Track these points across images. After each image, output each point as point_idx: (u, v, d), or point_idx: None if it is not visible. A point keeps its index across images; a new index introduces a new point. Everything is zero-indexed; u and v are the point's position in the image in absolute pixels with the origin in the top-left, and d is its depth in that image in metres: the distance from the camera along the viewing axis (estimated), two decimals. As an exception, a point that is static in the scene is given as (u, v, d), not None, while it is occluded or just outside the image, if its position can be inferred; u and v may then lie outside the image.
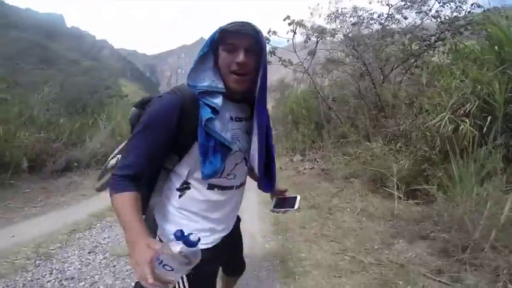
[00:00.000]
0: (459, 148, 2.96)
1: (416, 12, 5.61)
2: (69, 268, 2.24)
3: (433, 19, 5.45)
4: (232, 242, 1.14)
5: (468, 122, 2.88)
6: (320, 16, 6.60)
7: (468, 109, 3.06)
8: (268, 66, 0.93)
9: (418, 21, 5.62)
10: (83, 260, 2.38)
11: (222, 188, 0.94)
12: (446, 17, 5.16)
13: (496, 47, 3.49)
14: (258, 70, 0.87)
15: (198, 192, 0.92)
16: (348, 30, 6.14)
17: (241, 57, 0.82)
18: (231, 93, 0.88)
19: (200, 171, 0.86)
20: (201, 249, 0.73)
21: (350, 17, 6.13)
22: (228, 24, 0.83)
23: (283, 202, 1.15)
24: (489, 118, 2.90)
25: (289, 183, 4.98)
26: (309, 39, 6.60)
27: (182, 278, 0.90)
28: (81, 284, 2.05)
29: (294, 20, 6.59)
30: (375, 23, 5.98)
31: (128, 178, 0.80)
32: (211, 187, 0.92)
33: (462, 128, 2.96)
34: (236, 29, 0.81)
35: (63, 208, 3.69)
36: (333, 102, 7.11)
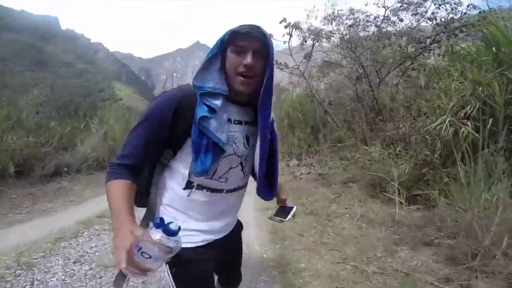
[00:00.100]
0: (460, 151, 2.90)
1: (412, 14, 5.61)
2: (51, 279, 2.10)
3: (428, 21, 5.46)
4: (230, 249, 1.10)
5: (470, 124, 2.80)
6: (316, 18, 6.55)
7: (469, 111, 3.00)
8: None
9: (414, 23, 5.62)
10: (67, 270, 2.23)
11: (211, 190, 0.93)
12: (443, 19, 5.15)
13: (493, 48, 3.47)
14: (264, 74, 0.87)
15: (186, 190, 0.92)
16: (344, 32, 6.10)
17: (249, 59, 0.83)
18: (236, 96, 0.89)
19: (190, 169, 0.87)
20: (188, 248, 0.79)
21: (346, 19, 6.11)
22: (238, 26, 0.84)
23: (281, 211, 1.11)
24: (490, 120, 2.84)
25: (286, 189, 4.86)
26: (305, 41, 6.57)
27: (170, 277, 0.92)
28: (64, 297, 1.90)
29: (290, 23, 6.56)
30: (371, 25, 5.96)
31: (125, 167, 0.83)
32: (199, 187, 0.92)
33: (463, 131, 2.90)
34: (246, 31, 0.82)
35: (50, 215, 3.52)
36: (329, 105, 7.06)
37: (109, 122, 7.08)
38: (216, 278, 1.20)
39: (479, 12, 4.89)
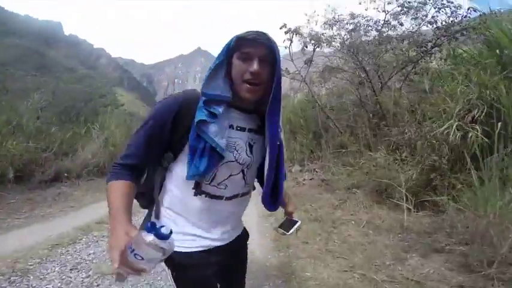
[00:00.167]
0: (469, 156, 2.84)
1: (412, 18, 5.60)
2: (47, 286, 2.04)
3: (429, 25, 5.44)
4: (234, 257, 1.06)
5: (479, 129, 2.74)
6: (316, 24, 6.55)
7: (476, 115, 2.94)
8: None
9: (414, 28, 5.61)
10: (64, 277, 2.15)
11: (211, 195, 0.91)
12: (444, 23, 5.13)
13: (497, 51, 3.43)
14: (271, 81, 0.86)
15: (185, 193, 0.91)
16: (345, 37, 6.09)
17: (255, 66, 0.81)
18: (241, 102, 0.89)
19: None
20: (188, 253, 0.85)
21: (347, 23, 6.10)
22: (245, 32, 0.83)
23: (286, 223, 1.08)
24: (499, 124, 2.77)
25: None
26: (306, 47, 6.56)
27: (172, 280, 0.93)
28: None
29: (290, 29, 6.57)
30: (372, 30, 5.95)
31: (127, 167, 0.85)
32: (199, 192, 0.91)
33: (471, 135, 2.84)
34: (252, 37, 0.81)
35: (49, 220, 3.44)
36: (331, 111, 7.02)
37: (110, 127, 7.03)
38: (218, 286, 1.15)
39: (480, 15, 4.89)
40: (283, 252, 2.70)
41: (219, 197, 0.92)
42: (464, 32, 4.78)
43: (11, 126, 5.10)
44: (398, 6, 5.63)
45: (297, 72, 6.96)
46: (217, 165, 0.86)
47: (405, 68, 5.36)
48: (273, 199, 0.98)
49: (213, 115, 0.83)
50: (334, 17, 6.17)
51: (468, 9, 5.08)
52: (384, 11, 5.84)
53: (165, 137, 0.86)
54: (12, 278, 2.08)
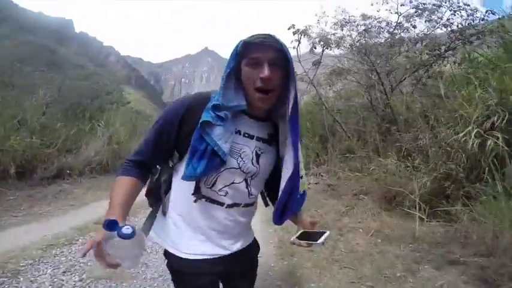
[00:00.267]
0: (486, 165, 2.68)
1: (426, 21, 5.44)
2: (37, 289, 1.93)
3: (443, 28, 5.28)
4: (240, 269, 1.01)
5: (500, 136, 2.57)
6: (326, 24, 6.41)
7: (496, 122, 2.77)
8: None
9: (427, 30, 5.44)
10: (55, 280, 2.05)
11: (211, 200, 0.89)
12: (460, 25, 4.96)
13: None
14: (283, 86, 0.83)
15: (186, 195, 0.89)
16: (356, 38, 5.95)
17: (266, 71, 0.78)
18: (253, 111, 0.87)
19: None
20: (183, 259, 0.88)
21: (357, 25, 5.96)
22: (251, 36, 0.80)
23: (308, 235, 0.95)
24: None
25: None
26: (315, 48, 6.43)
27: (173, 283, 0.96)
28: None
29: (298, 29, 6.45)
30: (384, 31, 5.80)
31: (136, 164, 0.89)
32: (199, 196, 0.89)
33: (490, 143, 2.67)
34: (260, 41, 0.78)
35: (47, 219, 3.35)
36: (338, 114, 6.87)
37: (115, 125, 6.96)
38: None
39: (499, 18, 4.72)
40: (287, 260, 2.56)
41: (220, 204, 0.90)
42: (480, 36, 4.62)
43: (16, 121, 5.07)
44: (413, 8, 5.48)
45: (304, 73, 6.83)
46: (218, 169, 0.83)
47: (417, 72, 5.20)
48: (285, 211, 0.94)
49: (220, 118, 0.81)
50: (345, 18, 6.05)
51: (486, 11, 4.91)
52: (396, 12, 5.70)
53: (172, 138, 0.87)
54: (1, 279, 1.99)
